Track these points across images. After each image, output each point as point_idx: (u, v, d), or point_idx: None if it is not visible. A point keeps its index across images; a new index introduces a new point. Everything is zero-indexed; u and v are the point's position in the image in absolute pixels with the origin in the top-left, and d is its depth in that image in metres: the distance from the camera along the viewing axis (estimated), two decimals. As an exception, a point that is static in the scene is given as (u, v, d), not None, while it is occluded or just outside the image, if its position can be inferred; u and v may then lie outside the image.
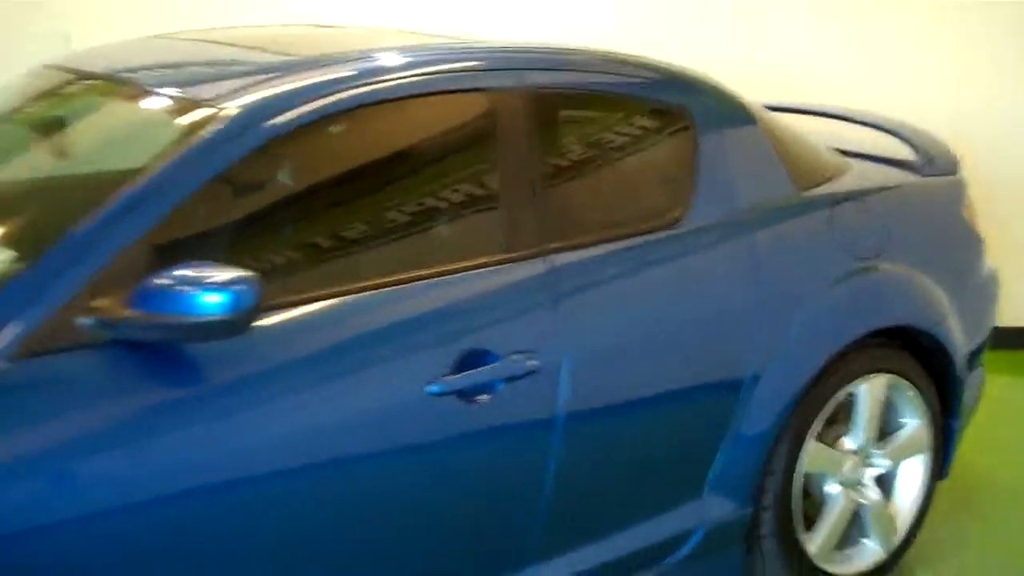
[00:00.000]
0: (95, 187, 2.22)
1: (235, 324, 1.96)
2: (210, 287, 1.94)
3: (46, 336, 1.96)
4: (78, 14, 5.67)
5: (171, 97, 2.40)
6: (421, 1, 4.95)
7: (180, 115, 2.29)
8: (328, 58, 2.49)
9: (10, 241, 2.19)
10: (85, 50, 3.00)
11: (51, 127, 2.62)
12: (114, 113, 2.53)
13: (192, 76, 2.58)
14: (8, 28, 5.70)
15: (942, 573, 3.31)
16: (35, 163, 2.53)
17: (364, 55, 2.52)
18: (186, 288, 1.94)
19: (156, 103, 2.44)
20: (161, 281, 1.95)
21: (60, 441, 1.93)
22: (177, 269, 1.97)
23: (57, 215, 2.20)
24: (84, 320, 1.98)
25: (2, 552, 1.87)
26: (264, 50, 2.70)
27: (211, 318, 1.94)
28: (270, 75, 2.39)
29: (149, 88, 2.52)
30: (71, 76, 2.74)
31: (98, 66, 2.73)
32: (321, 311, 2.19)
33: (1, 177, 2.53)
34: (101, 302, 1.99)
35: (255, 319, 1.99)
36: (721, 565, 2.87)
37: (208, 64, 2.69)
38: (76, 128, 2.57)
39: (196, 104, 2.30)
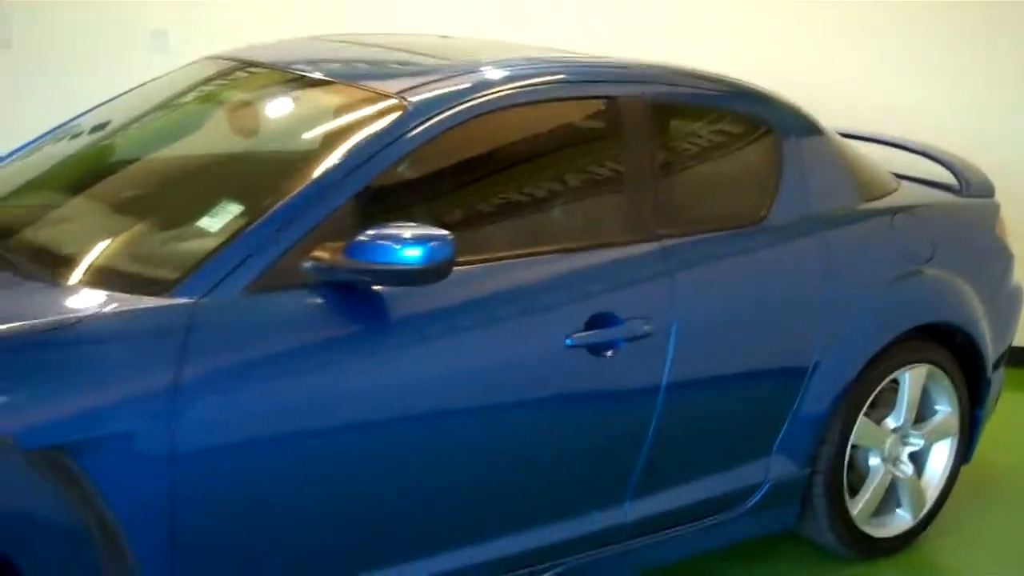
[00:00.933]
0: (302, 159, 2.68)
1: (430, 274, 2.41)
2: (412, 242, 2.38)
3: (275, 276, 2.40)
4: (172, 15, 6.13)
5: (357, 88, 2.85)
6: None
7: (368, 104, 2.75)
8: (479, 62, 2.94)
9: (234, 199, 2.62)
10: (245, 47, 3.45)
11: (239, 110, 3.06)
12: (301, 99, 2.97)
13: (368, 71, 3.04)
14: (111, 25, 6.17)
15: (960, 542, 3.76)
16: (238, 139, 2.96)
17: (512, 62, 2.98)
18: (392, 242, 2.38)
19: (340, 92, 2.90)
20: (372, 235, 2.39)
21: (277, 365, 2.36)
22: (385, 228, 2.41)
23: (274, 180, 2.64)
24: (306, 265, 2.42)
25: (220, 459, 2.29)
26: (411, 52, 3.17)
27: (412, 268, 2.38)
28: (436, 75, 2.84)
29: (331, 79, 2.97)
30: (242, 66, 3.20)
31: (269, 59, 3.19)
32: (482, 270, 2.63)
33: (216, 148, 2.96)
34: (319, 251, 2.43)
35: (448, 271, 2.43)
36: (780, 517, 3.33)
37: (374, 63, 3.15)
38: (264, 112, 3.00)
39: (382, 96, 2.75)
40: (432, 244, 2.38)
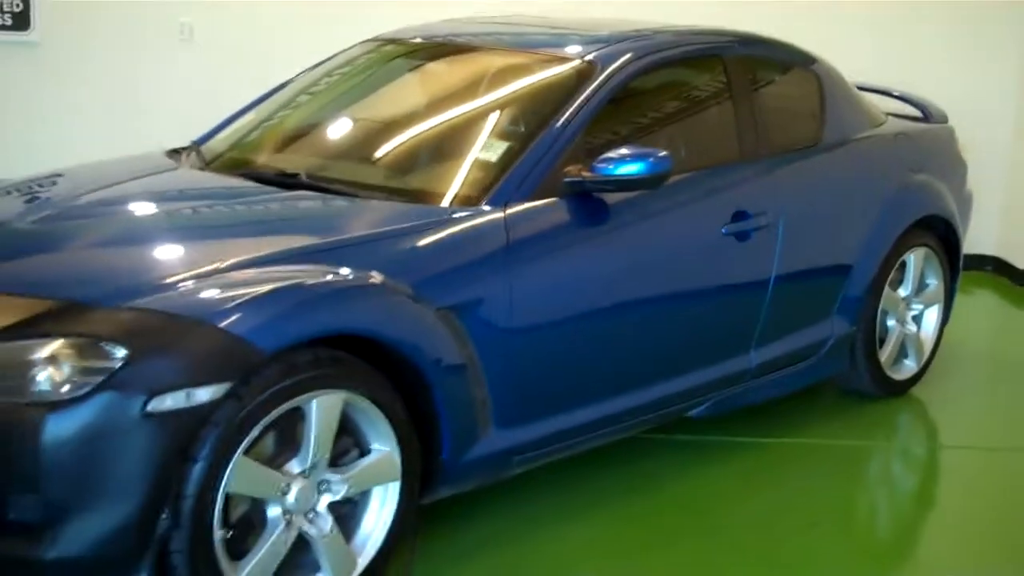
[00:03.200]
0: (533, 106, 3.66)
1: (654, 181, 3.42)
2: (634, 159, 3.40)
3: (547, 185, 3.38)
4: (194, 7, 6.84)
5: (542, 54, 3.85)
6: None
7: (559, 64, 3.75)
8: (625, 32, 3.97)
9: (506, 137, 3.58)
10: (403, 28, 4.38)
11: (457, 74, 4.01)
12: (506, 65, 3.92)
13: (542, 41, 4.01)
14: (142, 18, 6.84)
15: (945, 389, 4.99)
16: (468, 95, 3.86)
17: (657, 30, 4.03)
18: (628, 159, 3.38)
19: (531, 58, 3.88)
20: (615, 155, 3.39)
21: (549, 266, 3.34)
22: (617, 150, 3.42)
23: (518, 123, 3.61)
24: (564, 179, 3.41)
25: (520, 363, 3.24)
26: (557, 27, 4.18)
27: (641, 177, 3.39)
28: (603, 41, 3.85)
29: (517, 47, 3.96)
30: (420, 42, 4.15)
31: (439, 35, 4.15)
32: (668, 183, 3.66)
33: (453, 104, 3.86)
34: (572, 168, 3.42)
35: (664, 181, 3.45)
36: (838, 363, 4.47)
37: (539, 35, 4.13)
38: (481, 74, 3.93)
39: (569, 59, 3.75)
40: (654, 160, 3.40)
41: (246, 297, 2.71)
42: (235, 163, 3.77)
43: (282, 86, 4.33)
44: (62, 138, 6.77)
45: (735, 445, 4.21)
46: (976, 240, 6.70)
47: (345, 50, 4.36)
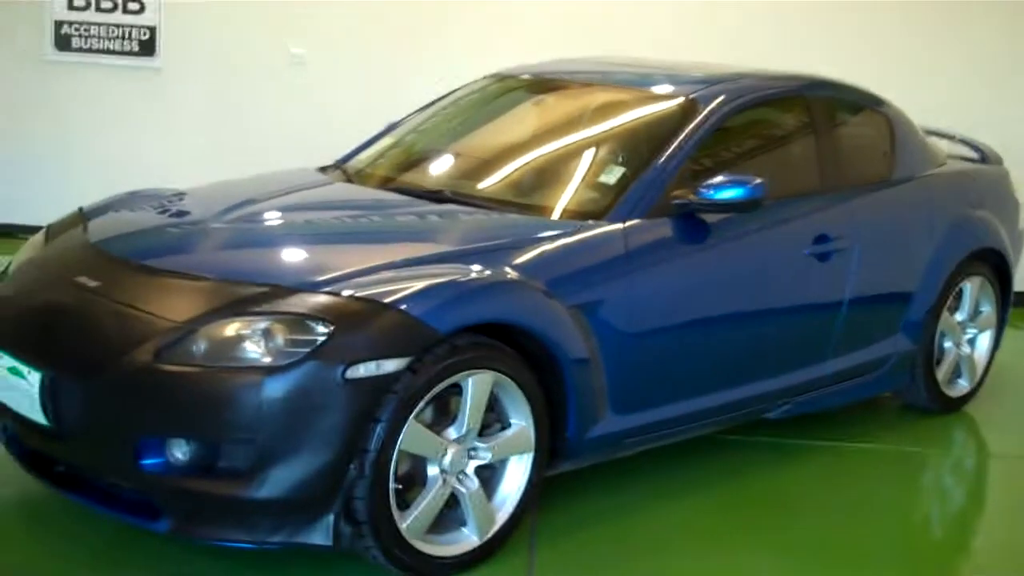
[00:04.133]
0: (644, 136, 4.19)
1: (750, 205, 3.95)
2: (734, 185, 3.92)
3: (657, 205, 3.92)
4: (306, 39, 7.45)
5: (647, 92, 4.40)
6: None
7: (663, 101, 4.30)
8: (714, 75, 4.51)
9: (621, 162, 4.12)
10: (522, 64, 4.95)
11: (571, 106, 4.57)
12: (616, 100, 4.47)
13: (646, 80, 4.56)
14: (258, 47, 7.46)
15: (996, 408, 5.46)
16: (583, 126, 4.42)
17: (742, 73, 4.57)
18: (730, 185, 3.91)
19: (638, 94, 4.43)
20: (719, 181, 3.92)
21: (659, 275, 3.87)
22: (717, 176, 3.94)
23: (631, 150, 4.16)
24: (674, 201, 3.94)
25: (633, 356, 3.76)
26: (655, 69, 4.73)
27: (741, 200, 3.91)
28: (700, 82, 4.39)
29: (624, 85, 4.52)
30: (539, 78, 4.72)
31: (556, 72, 4.72)
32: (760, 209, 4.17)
33: (571, 134, 4.42)
34: (679, 191, 3.95)
35: (759, 205, 3.97)
36: (900, 378, 4.95)
37: (638, 75, 4.67)
38: (595, 108, 4.48)
39: (673, 96, 4.29)
40: (751, 186, 3.92)
41: (422, 286, 3.25)
42: (382, 179, 4.34)
43: (416, 112, 4.90)
44: (178, 157, 7.40)
45: (810, 448, 4.71)
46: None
47: (472, 83, 4.93)
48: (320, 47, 7.47)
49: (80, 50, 7.47)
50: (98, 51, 7.47)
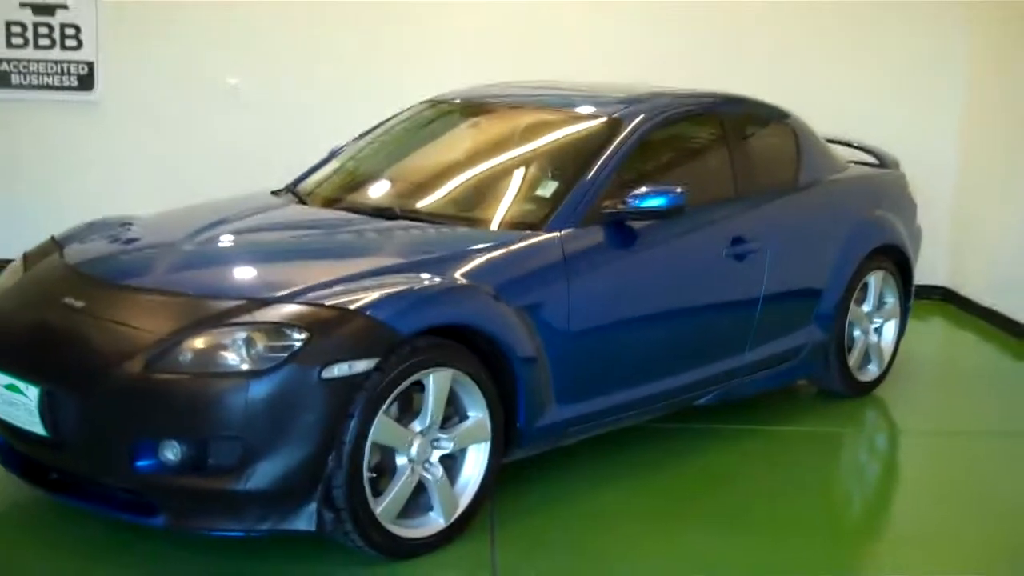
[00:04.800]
0: (575, 153, 4.60)
1: (673, 212, 4.37)
2: (658, 194, 4.34)
3: (589, 215, 4.32)
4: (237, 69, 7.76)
5: (574, 113, 4.81)
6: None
7: (590, 120, 4.71)
8: (641, 95, 4.94)
9: (555, 177, 4.52)
10: (450, 91, 5.34)
11: (506, 127, 4.95)
12: (546, 120, 4.87)
13: (573, 102, 4.96)
14: (194, 78, 7.74)
15: (904, 390, 5.96)
16: (515, 145, 4.81)
17: (661, 94, 5.00)
18: (653, 195, 4.33)
19: (565, 115, 4.84)
20: (642, 191, 4.34)
21: (593, 279, 4.27)
22: (645, 187, 4.36)
23: (563, 166, 4.56)
24: (602, 210, 4.34)
25: (573, 352, 4.14)
26: (584, 90, 5.14)
27: (664, 208, 4.33)
28: (622, 102, 4.82)
29: (552, 106, 4.92)
30: (474, 101, 5.11)
31: (490, 95, 5.11)
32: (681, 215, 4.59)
33: (506, 152, 4.81)
34: (608, 202, 4.36)
35: (681, 212, 4.39)
36: (814, 366, 5.42)
37: (571, 96, 5.07)
38: (530, 128, 4.87)
39: (599, 116, 4.71)
40: (673, 195, 4.34)
41: (385, 294, 3.61)
42: (333, 200, 4.69)
43: (358, 137, 5.26)
44: (120, 187, 7.65)
45: (738, 432, 5.15)
46: (928, 272, 7.76)
47: (410, 108, 5.31)
48: (258, 76, 7.78)
49: (20, 86, 7.69)
50: (38, 87, 7.69)
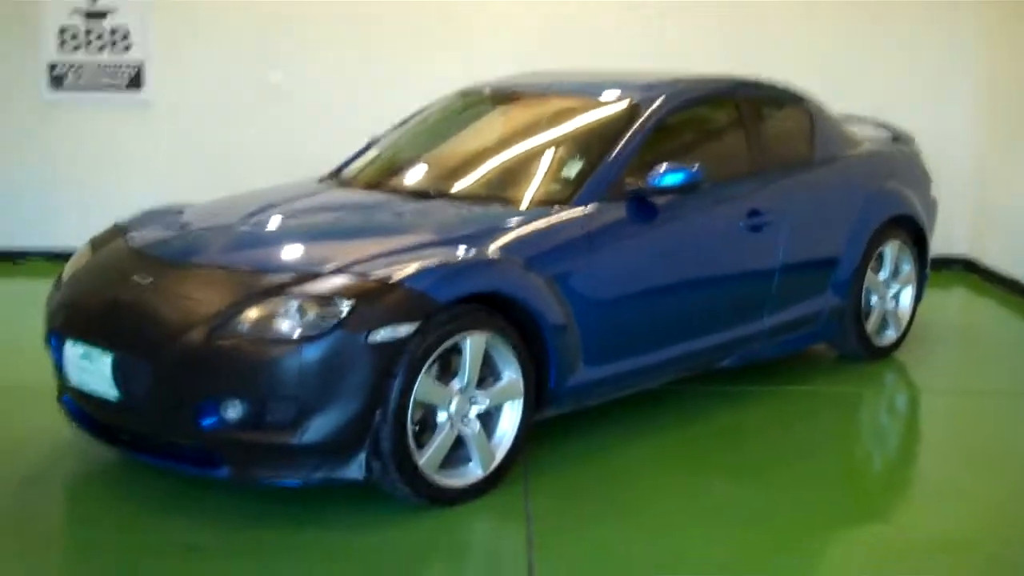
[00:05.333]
0: (600, 134, 4.92)
1: (689, 188, 4.68)
2: (676, 171, 4.65)
3: (612, 192, 4.65)
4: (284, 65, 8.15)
5: (600, 98, 5.13)
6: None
7: (614, 105, 5.02)
8: (662, 80, 5.25)
9: (579, 158, 4.85)
10: (481, 82, 5.68)
11: (540, 113, 5.29)
12: (576, 106, 5.20)
13: (597, 89, 5.27)
14: (238, 75, 8.13)
15: (923, 353, 6.23)
16: (549, 129, 5.16)
17: (679, 78, 5.31)
18: (673, 171, 4.64)
19: (589, 101, 5.16)
20: (663, 169, 4.65)
21: (617, 251, 4.59)
22: (665, 164, 4.67)
23: (588, 147, 4.88)
24: (627, 185, 4.67)
25: (599, 317, 4.47)
26: (603, 78, 5.46)
27: (683, 184, 4.65)
28: (643, 87, 5.13)
29: (577, 94, 5.24)
30: (494, 93, 5.45)
31: (522, 84, 5.44)
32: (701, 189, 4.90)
33: (540, 135, 5.16)
34: (630, 179, 4.69)
35: (699, 187, 4.71)
36: (831, 331, 5.71)
37: (595, 84, 5.38)
38: (559, 113, 5.21)
39: (620, 101, 5.02)
40: (691, 171, 4.66)
41: (423, 266, 3.96)
42: (375, 184, 5.05)
43: (395, 127, 5.61)
44: (171, 179, 8.06)
45: (759, 392, 5.45)
46: (950, 243, 8.02)
47: (443, 98, 5.66)
48: (298, 72, 8.16)
49: (74, 88, 8.12)
50: (91, 88, 8.12)
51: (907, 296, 6.13)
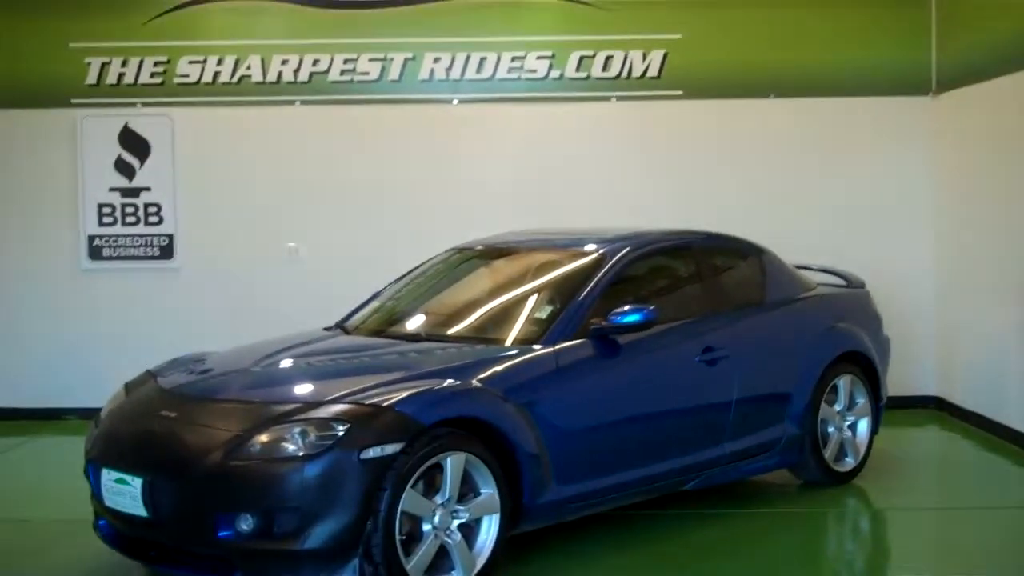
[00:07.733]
0: (567, 283, 5.63)
1: (646, 325, 5.36)
2: (634, 312, 5.34)
3: (579, 332, 5.33)
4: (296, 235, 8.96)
5: (571, 250, 5.86)
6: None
7: (584, 256, 5.76)
8: (623, 235, 5.99)
9: (551, 302, 5.56)
10: (473, 239, 6.44)
11: (518, 265, 6.03)
12: (550, 258, 5.94)
13: (570, 243, 6.02)
14: (258, 244, 8.95)
15: (884, 482, 6.77)
16: (525, 278, 5.89)
17: (639, 233, 6.06)
18: (631, 312, 5.33)
19: (564, 253, 5.90)
20: (623, 310, 5.34)
21: (583, 382, 5.25)
22: (623, 306, 5.36)
23: (556, 293, 5.59)
24: (589, 327, 5.35)
25: (568, 441, 5.09)
26: (579, 234, 6.21)
27: (639, 322, 5.33)
28: (610, 241, 5.87)
29: (555, 247, 5.99)
30: (497, 248, 6.20)
31: (501, 242, 6.20)
32: (658, 329, 5.57)
33: (515, 284, 5.89)
34: (595, 319, 5.37)
35: (653, 325, 5.39)
36: (790, 458, 6.28)
37: (568, 240, 6.13)
38: (535, 264, 5.95)
39: (591, 252, 5.76)
40: (647, 311, 5.35)
41: (410, 393, 4.62)
42: (374, 331, 5.77)
43: (394, 281, 6.36)
44: (197, 334, 8.74)
45: (731, 514, 6.02)
46: (923, 383, 8.63)
47: (438, 255, 6.42)
48: (312, 238, 8.97)
49: (110, 258, 8.94)
50: (126, 258, 8.95)
51: (864, 426, 6.71)
